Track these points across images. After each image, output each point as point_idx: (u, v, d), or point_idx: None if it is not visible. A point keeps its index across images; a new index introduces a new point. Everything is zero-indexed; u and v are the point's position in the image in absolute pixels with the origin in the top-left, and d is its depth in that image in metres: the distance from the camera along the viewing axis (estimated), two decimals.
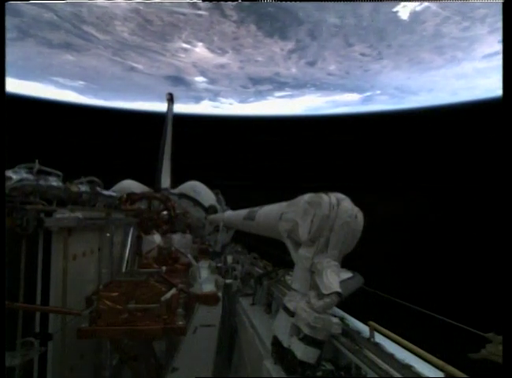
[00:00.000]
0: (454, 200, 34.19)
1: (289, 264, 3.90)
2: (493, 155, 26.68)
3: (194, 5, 38.53)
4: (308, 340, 2.62)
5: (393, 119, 48.31)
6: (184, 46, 45.64)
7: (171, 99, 20.77)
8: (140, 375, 4.62)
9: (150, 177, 16.82)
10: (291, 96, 56.06)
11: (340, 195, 2.91)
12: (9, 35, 38.98)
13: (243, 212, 6.33)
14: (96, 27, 40.94)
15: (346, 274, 3.23)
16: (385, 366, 2.31)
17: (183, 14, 40.25)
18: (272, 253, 6.06)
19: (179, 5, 38.26)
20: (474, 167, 34.81)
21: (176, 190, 16.10)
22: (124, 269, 6.60)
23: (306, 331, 2.63)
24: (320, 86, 53.59)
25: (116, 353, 5.40)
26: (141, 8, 38.84)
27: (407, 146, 43.53)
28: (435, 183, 37.82)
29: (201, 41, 45.26)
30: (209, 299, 4.81)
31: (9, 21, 37.23)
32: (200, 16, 40.63)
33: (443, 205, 34.87)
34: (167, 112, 20.28)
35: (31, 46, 41.78)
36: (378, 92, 53.37)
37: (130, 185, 13.61)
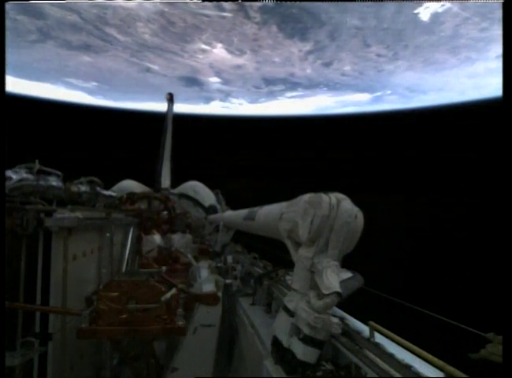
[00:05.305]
0: (455, 200, 34.16)
1: (289, 264, 3.90)
2: (495, 155, 26.66)
3: (218, 7, 37.87)
4: (308, 340, 2.62)
5: (397, 118, 48.18)
6: (203, 47, 44.94)
7: (171, 99, 20.83)
8: (140, 375, 4.62)
9: (150, 177, 16.83)
10: (301, 96, 55.55)
11: (340, 195, 2.91)
12: (30, 37, 38.71)
13: (243, 212, 6.32)
14: (118, 29, 40.39)
15: (346, 274, 3.23)
16: (385, 366, 2.31)
17: (207, 16, 39.66)
18: (273, 253, 6.05)
19: (203, 6, 37.70)
20: (477, 167, 34.75)
21: (176, 190, 16.09)
22: (124, 269, 6.59)
23: (306, 331, 2.63)
24: (332, 86, 53.16)
25: (116, 353, 5.40)
26: (165, 10, 38.28)
27: (409, 146, 43.48)
28: (439, 184, 37.76)
29: (220, 42, 44.63)
30: (209, 299, 4.80)
31: (32, 23, 36.85)
32: (223, 17, 40.05)
33: (444, 205, 34.84)
34: (167, 112, 20.31)
35: (50, 47, 41.44)
36: (388, 92, 53.03)
37: (130, 185, 13.59)
